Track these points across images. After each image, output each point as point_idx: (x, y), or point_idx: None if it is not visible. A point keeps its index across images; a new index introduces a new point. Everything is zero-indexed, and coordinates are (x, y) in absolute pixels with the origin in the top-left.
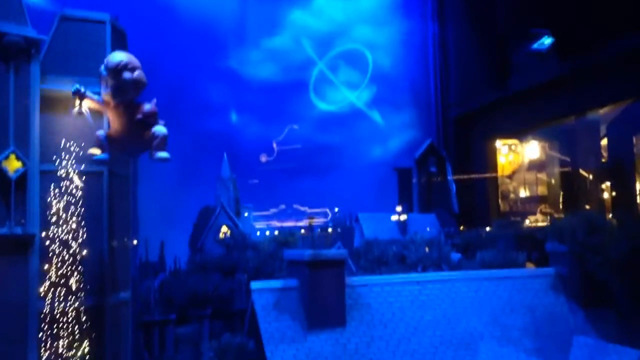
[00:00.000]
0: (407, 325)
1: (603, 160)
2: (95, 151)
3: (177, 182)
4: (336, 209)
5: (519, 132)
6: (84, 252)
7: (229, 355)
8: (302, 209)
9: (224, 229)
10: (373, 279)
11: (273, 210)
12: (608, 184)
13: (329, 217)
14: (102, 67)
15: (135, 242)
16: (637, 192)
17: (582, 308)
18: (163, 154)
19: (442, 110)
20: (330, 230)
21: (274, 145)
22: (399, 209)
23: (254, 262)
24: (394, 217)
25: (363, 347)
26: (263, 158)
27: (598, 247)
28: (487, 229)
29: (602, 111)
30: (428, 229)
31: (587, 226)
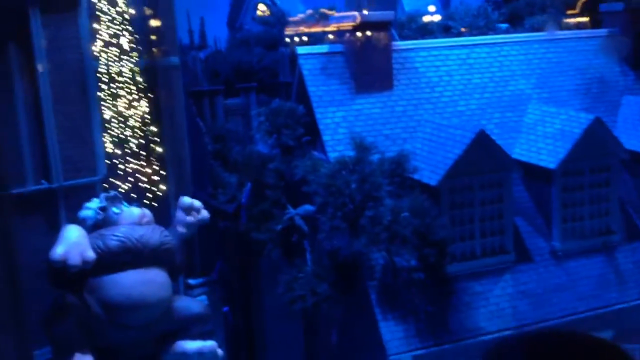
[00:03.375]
0: (454, 88)
1: None
2: None
3: None
4: (365, 11)
5: None
6: (132, 12)
7: (280, 119)
8: (330, 12)
9: (262, 6)
10: (419, 43)
11: (300, 16)
12: None
13: (357, 20)
14: None
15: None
16: None
17: (633, 69)
18: None
19: None
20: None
21: None
22: (432, 8)
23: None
24: (427, 18)
25: (410, 109)
26: None
27: None
28: None
29: None
30: None
31: None
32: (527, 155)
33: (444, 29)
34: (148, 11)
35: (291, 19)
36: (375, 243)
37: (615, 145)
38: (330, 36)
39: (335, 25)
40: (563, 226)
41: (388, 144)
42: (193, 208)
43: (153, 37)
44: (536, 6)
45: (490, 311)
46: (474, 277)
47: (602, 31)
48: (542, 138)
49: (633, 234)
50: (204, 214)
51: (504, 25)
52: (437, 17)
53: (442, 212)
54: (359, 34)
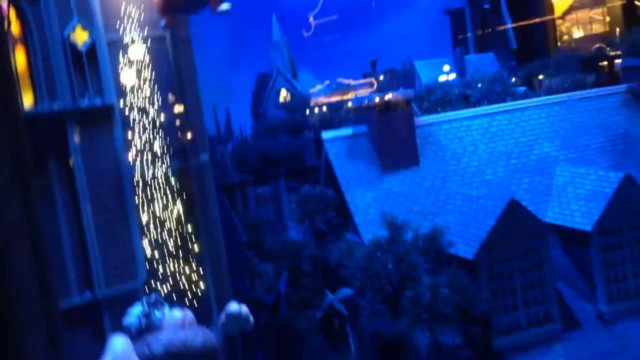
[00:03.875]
0: (479, 157)
1: None
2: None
3: (229, 50)
4: (381, 77)
5: None
6: (162, 118)
7: (311, 205)
8: (347, 81)
9: (283, 92)
10: (440, 116)
11: (318, 87)
12: None
13: (374, 87)
14: None
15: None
16: None
17: None
18: (224, 6)
19: None
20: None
21: (311, 19)
22: (446, 68)
23: (318, 116)
24: (443, 77)
25: (439, 183)
26: (305, 33)
27: None
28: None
29: None
30: None
31: None
32: (561, 219)
33: (462, 98)
34: (177, 111)
35: (310, 90)
36: (417, 323)
37: None
38: (350, 104)
39: (356, 107)
40: (607, 288)
41: (420, 220)
42: (240, 317)
43: (183, 138)
44: (551, 67)
45: None
46: (522, 349)
47: (621, 87)
48: (574, 200)
49: None
50: (249, 320)
51: (522, 89)
52: (452, 76)
53: (481, 285)
54: (381, 113)
